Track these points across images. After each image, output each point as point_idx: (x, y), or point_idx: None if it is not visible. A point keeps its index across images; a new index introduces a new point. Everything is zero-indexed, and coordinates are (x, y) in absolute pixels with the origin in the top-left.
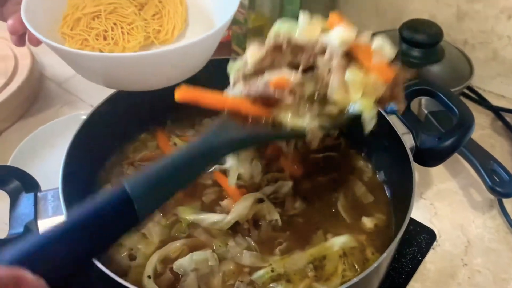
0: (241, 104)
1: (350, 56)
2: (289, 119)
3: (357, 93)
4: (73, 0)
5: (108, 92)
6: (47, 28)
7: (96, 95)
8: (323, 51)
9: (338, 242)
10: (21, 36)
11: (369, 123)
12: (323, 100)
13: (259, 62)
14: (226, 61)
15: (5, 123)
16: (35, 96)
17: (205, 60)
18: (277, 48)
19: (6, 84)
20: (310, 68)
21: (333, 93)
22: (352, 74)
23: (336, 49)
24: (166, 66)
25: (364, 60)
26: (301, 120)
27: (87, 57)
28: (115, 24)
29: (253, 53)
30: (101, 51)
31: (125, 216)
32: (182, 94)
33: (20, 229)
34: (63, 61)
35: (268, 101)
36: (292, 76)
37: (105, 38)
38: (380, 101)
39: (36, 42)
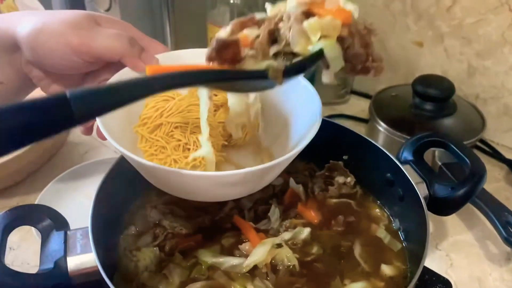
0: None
1: (308, 14)
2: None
3: (316, 35)
4: (155, 102)
5: None
6: (121, 123)
7: None
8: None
9: (361, 287)
10: (90, 127)
11: (333, 63)
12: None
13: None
14: None
15: (33, 165)
16: (62, 141)
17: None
18: (243, 25)
19: None
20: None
21: (294, 44)
22: (308, 22)
23: (293, 10)
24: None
25: (318, 9)
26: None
27: (168, 173)
28: (198, 139)
29: (219, 33)
30: (175, 161)
31: (61, 110)
32: (152, 70)
33: (50, 265)
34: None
35: (232, 58)
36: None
37: (183, 150)
38: (353, 63)
39: (104, 138)
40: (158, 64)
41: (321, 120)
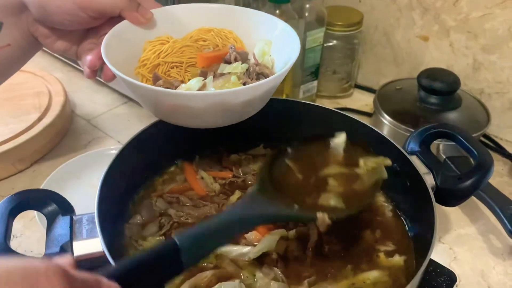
0: None
1: None
2: None
3: None
4: (152, 46)
5: (136, 129)
6: (123, 66)
7: (123, 131)
8: None
9: (372, 276)
10: (95, 70)
11: None
12: None
13: None
14: None
15: (37, 154)
16: (65, 131)
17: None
18: None
19: (40, 118)
20: None
21: None
22: None
23: None
24: (236, 105)
25: None
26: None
27: (161, 93)
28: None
29: None
30: None
31: (173, 263)
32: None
33: (56, 249)
34: (133, 94)
35: None
36: None
37: None
38: None
39: (110, 78)
40: (152, 17)
41: (299, 49)
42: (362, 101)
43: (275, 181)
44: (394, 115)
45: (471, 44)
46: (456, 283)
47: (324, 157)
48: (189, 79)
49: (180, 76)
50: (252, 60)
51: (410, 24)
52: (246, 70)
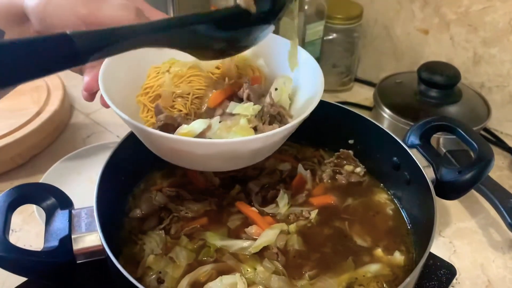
0: None
1: None
2: None
3: None
4: (157, 73)
5: None
6: (123, 92)
7: (121, 126)
8: None
9: (372, 269)
10: (93, 94)
11: None
12: None
13: None
14: None
15: (35, 149)
16: (64, 125)
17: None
18: None
19: (38, 113)
20: None
21: None
22: None
23: None
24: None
25: None
26: None
27: (160, 137)
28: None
29: None
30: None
31: (64, 47)
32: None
33: (55, 243)
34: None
35: None
36: None
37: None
38: None
39: (107, 105)
40: None
41: (322, 91)
42: (362, 95)
43: None
44: (394, 109)
45: (471, 38)
46: (456, 276)
47: None
48: (194, 113)
49: (186, 108)
50: (267, 99)
51: (410, 17)
52: (259, 111)
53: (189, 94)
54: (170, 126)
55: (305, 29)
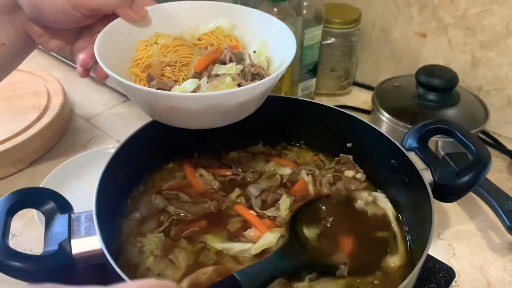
0: None
1: None
2: None
3: None
4: (145, 45)
5: (135, 128)
6: (116, 65)
7: (121, 130)
8: None
9: None
10: (87, 69)
11: None
12: None
13: None
14: None
15: (35, 154)
16: (64, 130)
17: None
18: None
19: (38, 118)
20: None
21: None
22: None
23: None
24: (232, 106)
25: None
26: None
27: (155, 94)
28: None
29: None
30: None
31: None
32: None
33: (55, 247)
34: (126, 94)
35: None
36: None
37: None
38: None
39: (103, 77)
40: (146, 14)
41: (295, 52)
42: (360, 98)
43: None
44: (392, 112)
45: (469, 41)
46: (455, 279)
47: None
48: (183, 79)
49: (174, 76)
50: (247, 61)
51: (408, 20)
52: (241, 71)
53: (176, 62)
54: (163, 90)
55: (304, 33)
